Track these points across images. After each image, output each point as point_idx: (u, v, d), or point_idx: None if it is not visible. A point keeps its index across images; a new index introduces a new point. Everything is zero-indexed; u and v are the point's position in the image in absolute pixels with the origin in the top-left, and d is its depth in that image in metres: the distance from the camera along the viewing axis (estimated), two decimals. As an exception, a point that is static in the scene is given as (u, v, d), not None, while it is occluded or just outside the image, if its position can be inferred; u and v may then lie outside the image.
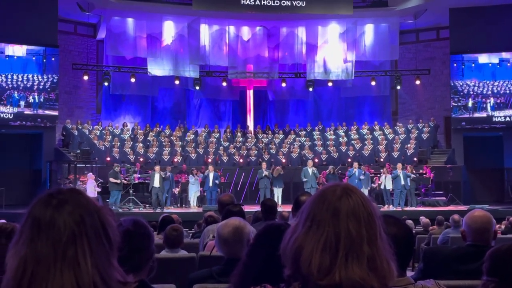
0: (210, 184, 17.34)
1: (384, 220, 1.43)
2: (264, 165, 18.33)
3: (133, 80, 21.50)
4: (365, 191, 16.11)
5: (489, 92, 21.43)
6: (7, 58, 19.70)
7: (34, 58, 19.98)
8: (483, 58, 21.48)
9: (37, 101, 19.95)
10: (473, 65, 21.65)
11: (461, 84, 21.57)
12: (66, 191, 1.33)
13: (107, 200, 16.39)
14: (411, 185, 17.26)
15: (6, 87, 19.62)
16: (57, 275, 1.22)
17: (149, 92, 23.09)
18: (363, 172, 17.39)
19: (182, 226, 7.94)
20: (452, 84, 21.46)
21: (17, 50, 19.71)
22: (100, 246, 1.27)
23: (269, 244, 1.94)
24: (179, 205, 18.05)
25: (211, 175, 17.39)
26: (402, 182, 16.81)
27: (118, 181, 16.57)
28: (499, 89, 21.44)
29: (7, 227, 2.77)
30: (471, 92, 21.56)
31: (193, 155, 20.17)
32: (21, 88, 19.85)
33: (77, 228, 1.26)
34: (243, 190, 19.48)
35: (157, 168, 17.10)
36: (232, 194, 5.12)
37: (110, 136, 20.70)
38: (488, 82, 21.45)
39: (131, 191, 17.16)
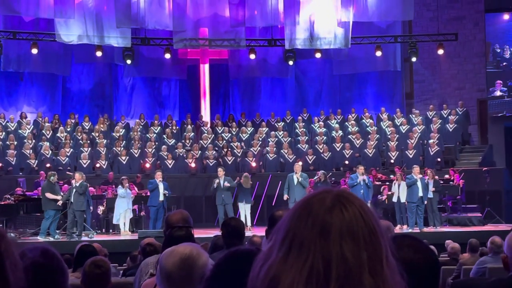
0: (161, 198, 17.29)
1: (396, 241, 1.45)
2: (221, 171, 18.07)
3: (35, 51, 21.21)
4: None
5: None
6: None
7: None
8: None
9: None
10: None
11: (498, 51, 21.35)
12: None
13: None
14: (434, 197, 17.41)
15: None
16: None
17: (59, 69, 22.89)
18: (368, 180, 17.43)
19: (109, 259, 7.91)
20: (492, 53, 21.39)
21: None
22: None
23: (232, 277, 1.96)
24: (104, 230, 17.95)
25: (161, 186, 17.31)
26: (420, 194, 16.90)
27: (58, 197, 16.28)
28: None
29: None
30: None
31: (123, 158, 20.09)
32: None
33: None
34: (197, 208, 19.44)
35: (77, 176, 16.85)
36: (186, 211, 5.11)
37: (3, 133, 20.51)
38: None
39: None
